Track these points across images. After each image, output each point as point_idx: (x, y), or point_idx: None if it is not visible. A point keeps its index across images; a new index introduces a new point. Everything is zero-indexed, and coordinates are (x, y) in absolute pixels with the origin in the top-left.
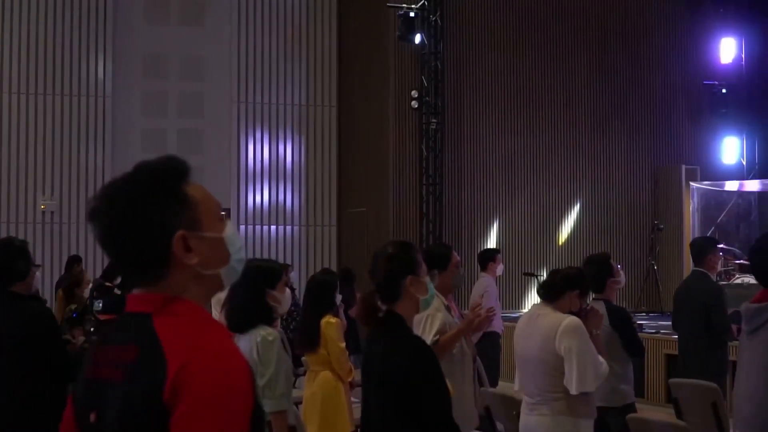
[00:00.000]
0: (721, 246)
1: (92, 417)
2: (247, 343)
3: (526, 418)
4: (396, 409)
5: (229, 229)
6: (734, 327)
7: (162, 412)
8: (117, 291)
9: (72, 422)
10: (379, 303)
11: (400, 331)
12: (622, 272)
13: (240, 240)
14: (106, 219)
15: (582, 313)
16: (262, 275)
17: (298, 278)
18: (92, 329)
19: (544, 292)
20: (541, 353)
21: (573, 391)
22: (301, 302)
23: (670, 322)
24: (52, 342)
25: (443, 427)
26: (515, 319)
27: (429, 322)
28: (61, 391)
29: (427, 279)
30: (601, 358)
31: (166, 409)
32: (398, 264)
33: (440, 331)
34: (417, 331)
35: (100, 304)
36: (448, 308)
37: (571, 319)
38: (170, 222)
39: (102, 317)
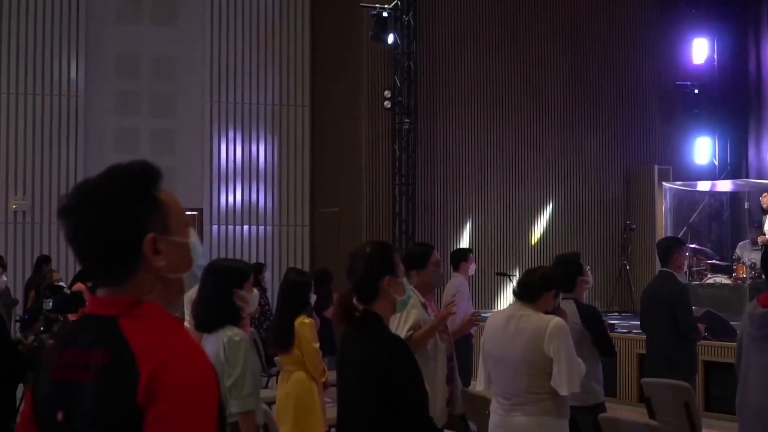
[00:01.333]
0: (693, 246)
1: (60, 415)
2: (214, 343)
3: (503, 419)
4: (376, 407)
5: (194, 235)
6: (701, 326)
7: (136, 414)
8: (67, 290)
9: (31, 422)
10: (355, 302)
11: (378, 330)
12: (589, 272)
13: (201, 247)
14: (78, 218)
15: (553, 313)
16: (230, 275)
17: (270, 278)
18: (42, 328)
19: (521, 292)
20: (525, 354)
21: (563, 392)
22: (274, 302)
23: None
24: (1, 342)
25: (422, 426)
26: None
27: (403, 318)
28: (11, 391)
29: (405, 280)
30: (579, 359)
31: (140, 411)
32: (376, 264)
33: (414, 327)
34: (391, 326)
35: (50, 303)
36: (425, 306)
37: (558, 320)
38: (142, 224)
39: (71, 317)
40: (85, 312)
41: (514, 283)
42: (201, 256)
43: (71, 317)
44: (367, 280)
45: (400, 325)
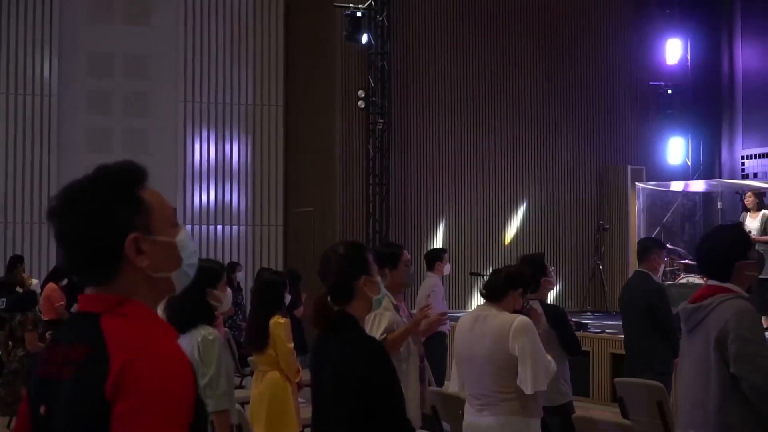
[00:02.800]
0: (666, 246)
1: (42, 409)
2: (188, 342)
3: (474, 420)
4: (353, 410)
5: (183, 234)
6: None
7: (104, 409)
8: (19, 289)
9: (27, 417)
10: (330, 304)
11: (355, 332)
12: (553, 273)
13: (193, 245)
14: (63, 219)
15: (522, 313)
16: (203, 275)
17: (244, 278)
18: None
19: (487, 292)
20: (491, 354)
21: (528, 391)
22: (247, 302)
23: (615, 322)
24: None
25: (399, 427)
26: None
27: (377, 321)
28: None
29: (379, 278)
30: (548, 356)
31: (108, 406)
32: (351, 265)
33: (388, 330)
34: (365, 328)
35: (4, 303)
36: (396, 307)
37: (522, 319)
38: (124, 224)
39: (45, 317)
40: (77, 309)
41: None
42: (193, 254)
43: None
44: (343, 282)
45: (374, 328)
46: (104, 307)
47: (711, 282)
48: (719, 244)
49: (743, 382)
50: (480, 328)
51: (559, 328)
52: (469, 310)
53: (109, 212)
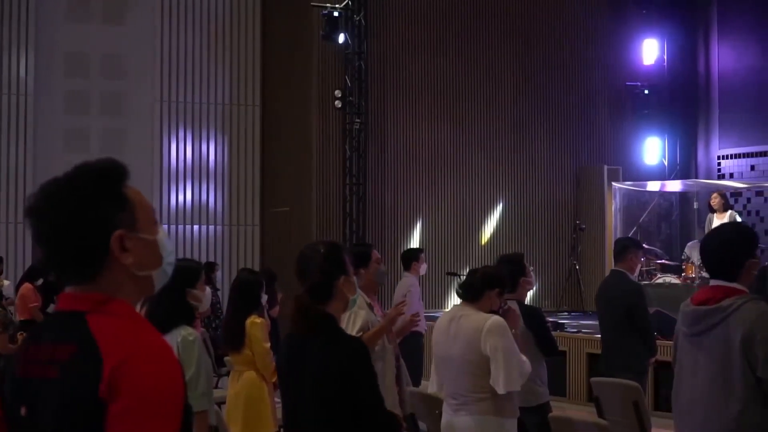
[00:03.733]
0: (643, 246)
1: (23, 410)
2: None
3: (450, 419)
4: (336, 409)
5: (162, 233)
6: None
7: (98, 409)
8: None
9: (2, 421)
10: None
11: (336, 332)
12: (533, 273)
13: (171, 244)
14: (45, 217)
15: (500, 313)
16: (182, 275)
17: (221, 278)
18: None
19: (463, 292)
20: (466, 354)
21: (500, 391)
22: (224, 302)
23: (591, 321)
24: None
25: (382, 423)
26: (422, 318)
27: (352, 320)
28: None
29: (355, 278)
30: (523, 357)
31: (103, 406)
32: (332, 264)
33: (362, 329)
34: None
35: None
36: (370, 306)
37: (496, 319)
38: (110, 221)
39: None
40: (55, 308)
41: None
42: (171, 253)
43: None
44: (324, 281)
45: (349, 327)
46: (89, 305)
47: (717, 282)
48: (729, 242)
49: None
50: (455, 328)
51: (536, 329)
52: (446, 310)
53: (95, 209)
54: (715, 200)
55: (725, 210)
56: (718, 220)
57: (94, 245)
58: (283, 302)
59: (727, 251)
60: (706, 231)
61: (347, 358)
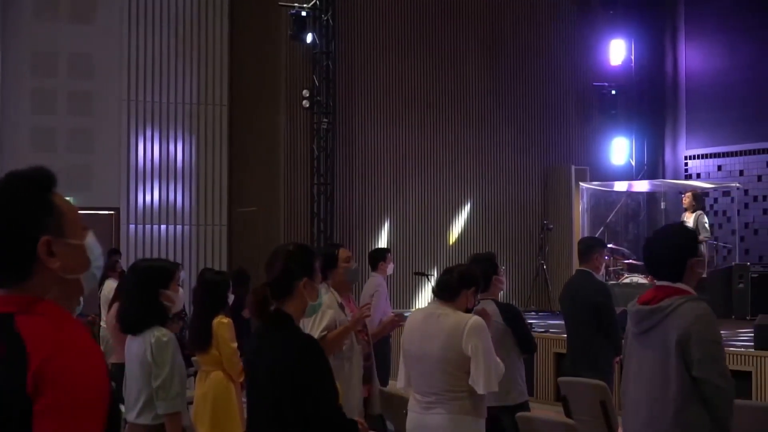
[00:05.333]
0: (610, 246)
1: None
2: (141, 344)
3: (420, 417)
4: (285, 407)
5: (90, 237)
6: None
7: (26, 406)
8: None
9: None
10: (268, 297)
11: (288, 329)
12: (504, 272)
13: (99, 248)
14: None
15: (474, 311)
16: (155, 275)
17: (188, 278)
18: None
19: (439, 291)
20: (444, 352)
21: (480, 391)
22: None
23: (559, 321)
24: None
25: (334, 421)
26: (405, 319)
27: (318, 318)
28: None
29: (321, 287)
30: (497, 358)
31: (30, 403)
32: (296, 264)
33: (328, 327)
34: (306, 325)
35: None
36: (342, 306)
37: (477, 319)
38: (37, 227)
39: None
40: None
41: (433, 282)
42: (99, 257)
43: None
44: (284, 278)
45: (315, 325)
46: (18, 307)
47: (662, 282)
48: (670, 243)
49: (705, 385)
50: (433, 326)
51: (514, 327)
52: (414, 309)
53: (22, 216)
54: (686, 199)
55: (694, 210)
56: (686, 219)
57: (22, 251)
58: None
59: (669, 252)
60: None
61: (296, 356)
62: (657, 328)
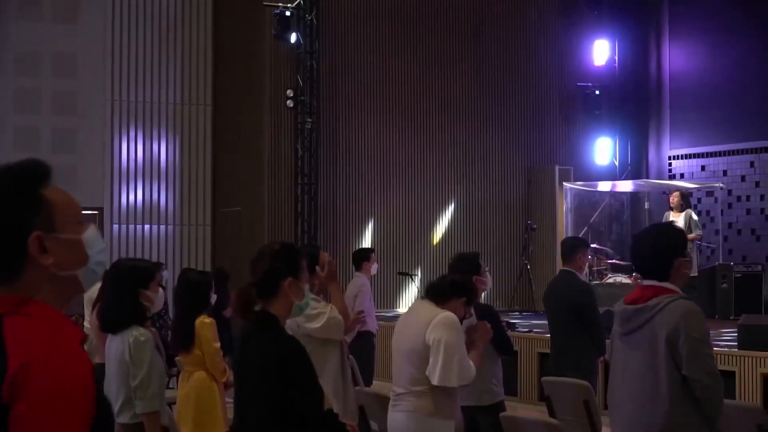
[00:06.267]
0: (593, 246)
1: None
2: (119, 343)
3: (390, 415)
4: (270, 409)
5: (90, 232)
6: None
7: (2, 411)
8: None
9: None
10: (255, 299)
11: (273, 330)
12: (488, 273)
13: (102, 243)
14: None
15: (466, 322)
16: (135, 275)
17: (171, 278)
18: None
19: (429, 291)
20: (412, 343)
21: (434, 382)
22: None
23: (543, 321)
24: None
25: (318, 427)
26: (390, 319)
27: (329, 308)
28: None
29: (306, 287)
30: (471, 363)
31: (5, 406)
32: (281, 263)
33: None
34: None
35: None
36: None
37: (448, 314)
38: (26, 223)
39: None
40: None
41: (417, 282)
42: (101, 251)
43: None
44: (269, 278)
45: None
46: (7, 307)
47: (648, 282)
48: (658, 242)
49: (695, 383)
50: (411, 318)
51: (491, 327)
52: (398, 309)
53: (10, 210)
54: (674, 199)
55: (682, 210)
56: (674, 219)
57: (11, 247)
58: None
59: (656, 251)
60: None
61: (280, 357)
62: (645, 327)
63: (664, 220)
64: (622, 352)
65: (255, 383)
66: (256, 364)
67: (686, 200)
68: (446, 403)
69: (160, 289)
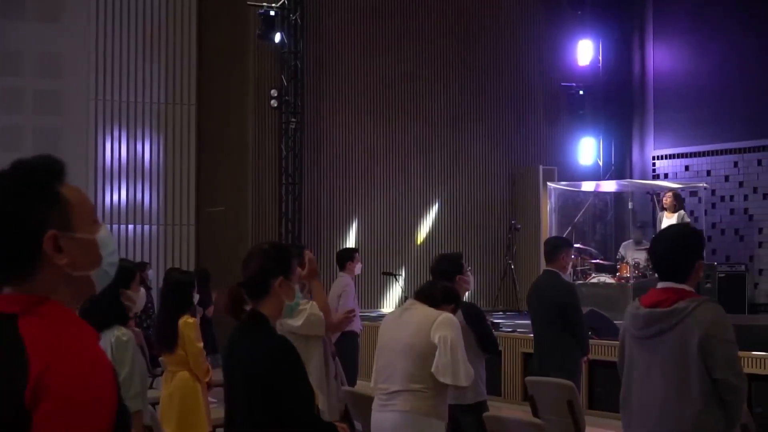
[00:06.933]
0: (577, 246)
1: None
2: (101, 343)
3: (379, 415)
4: (261, 409)
5: (103, 231)
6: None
7: (24, 414)
8: None
9: None
10: (245, 296)
11: (263, 331)
12: (470, 274)
13: (114, 244)
14: None
15: None
16: (118, 274)
17: (156, 277)
18: None
19: (421, 295)
20: (411, 339)
21: (441, 379)
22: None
23: (527, 321)
24: None
25: (309, 428)
26: (374, 319)
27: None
28: None
29: (297, 287)
30: (469, 364)
31: (28, 411)
32: (272, 262)
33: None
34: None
35: None
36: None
37: (450, 315)
38: (42, 221)
39: None
40: None
41: (401, 282)
42: (113, 252)
43: None
44: (260, 277)
45: (305, 311)
46: (22, 307)
47: (666, 284)
48: (679, 244)
49: (727, 386)
50: (405, 317)
51: (476, 326)
52: (382, 309)
53: (27, 208)
54: (668, 199)
55: (676, 210)
56: (667, 220)
57: (26, 246)
58: (218, 302)
59: (678, 253)
60: (658, 230)
61: (271, 359)
62: (673, 330)
63: (657, 221)
64: (641, 356)
65: (246, 384)
66: (247, 364)
67: (679, 201)
68: (442, 403)
69: (142, 289)
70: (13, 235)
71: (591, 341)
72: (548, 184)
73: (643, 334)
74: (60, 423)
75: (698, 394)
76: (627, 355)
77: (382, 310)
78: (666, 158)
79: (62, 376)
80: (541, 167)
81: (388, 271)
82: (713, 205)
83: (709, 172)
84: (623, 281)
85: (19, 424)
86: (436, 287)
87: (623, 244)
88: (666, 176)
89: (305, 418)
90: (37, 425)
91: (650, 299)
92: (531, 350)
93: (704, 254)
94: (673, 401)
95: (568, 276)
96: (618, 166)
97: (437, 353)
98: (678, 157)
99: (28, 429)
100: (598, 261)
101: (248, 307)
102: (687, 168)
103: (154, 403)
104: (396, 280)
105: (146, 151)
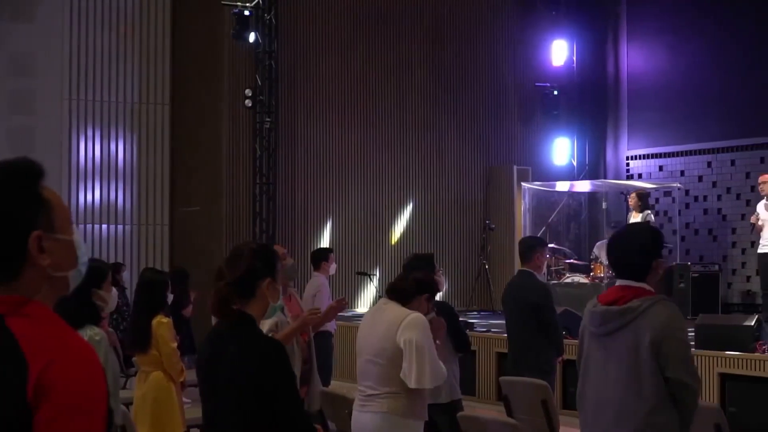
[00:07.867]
0: (551, 246)
1: None
2: None
3: (357, 415)
4: (249, 411)
5: (77, 233)
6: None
7: (25, 413)
8: None
9: None
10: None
11: (251, 332)
12: (442, 275)
13: (84, 245)
14: None
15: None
16: (89, 275)
17: (130, 277)
18: None
19: (393, 293)
20: (380, 343)
21: (411, 384)
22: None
23: (501, 321)
24: None
25: (298, 428)
26: (348, 318)
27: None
28: None
29: (280, 288)
30: (441, 364)
31: (30, 410)
32: (261, 263)
33: (270, 330)
34: None
35: None
36: (281, 308)
37: (417, 315)
38: (27, 222)
39: None
40: None
41: (375, 282)
42: (85, 254)
43: None
44: (248, 278)
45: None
46: (7, 308)
47: (624, 282)
48: (636, 243)
49: (678, 385)
50: (377, 318)
51: (448, 325)
52: (356, 309)
53: (12, 209)
54: (632, 200)
55: (641, 210)
56: (633, 220)
57: (12, 246)
58: (197, 301)
59: (635, 252)
60: None
61: (262, 361)
62: (627, 328)
63: (627, 221)
64: (597, 353)
65: (233, 386)
66: (238, 365)
67: (644, 201)
68: (419, 403)
69: (114, 289)
70: (1, 235)
71: (565, 341)
72: (522, 184)
73: (599, 331)
74: (63, 421)
75: (650, 393)
76: (584, 351)
77: (357, 310)
78: (640, 158)
79: (63, 374)
80: (515, 167)
81: (362, 271)
82: (687, 206)
83: (682, 172)
84: (597, 281)
85: (21, 423)
86: (407, 279)
87: (597, 244)
88: (640, 176)
89: (299, 419)
90: (39, 424)
91: (607, 297)
92: (505, 350)
93: (667, 252)
94: (627, 400)
95: (542, 276)
96: (592, 166)
97: (404, 358)
98: (652, 158)
99: (29, 428)
100: (571, 261)
101: (235, 307)
102: (661, 168)
103: (128, 404)
104: (371, 280)
105: (120, 150)
